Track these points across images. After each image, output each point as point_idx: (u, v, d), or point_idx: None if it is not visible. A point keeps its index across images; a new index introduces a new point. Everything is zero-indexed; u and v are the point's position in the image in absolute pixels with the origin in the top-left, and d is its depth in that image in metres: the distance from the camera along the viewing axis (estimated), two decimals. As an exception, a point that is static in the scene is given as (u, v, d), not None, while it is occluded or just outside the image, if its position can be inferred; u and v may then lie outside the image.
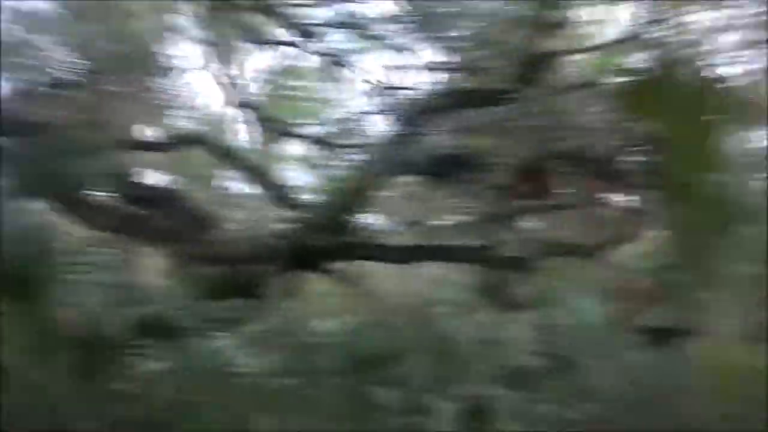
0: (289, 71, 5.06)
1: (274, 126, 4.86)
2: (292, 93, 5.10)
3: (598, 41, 3.78)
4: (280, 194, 4.58)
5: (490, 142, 3.84)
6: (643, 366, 3.26)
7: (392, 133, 4.11)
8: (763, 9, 3.75)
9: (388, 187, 4.13)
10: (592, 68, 3.77)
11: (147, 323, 3.69)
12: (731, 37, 3.98)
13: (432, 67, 4.39)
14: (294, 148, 5.16)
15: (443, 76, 4.14)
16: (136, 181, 4.06)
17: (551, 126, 3.57)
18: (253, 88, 4.93)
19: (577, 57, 3.78)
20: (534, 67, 3.53)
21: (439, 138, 4.09)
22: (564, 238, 5.02)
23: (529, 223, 4.63)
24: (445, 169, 4.25)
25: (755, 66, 3.68)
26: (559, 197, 4.16)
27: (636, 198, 3.94)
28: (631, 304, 4.16)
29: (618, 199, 4.13)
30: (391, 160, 3.82)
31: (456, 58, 3.94)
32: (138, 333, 3.63)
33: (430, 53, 4.24)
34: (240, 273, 4.27)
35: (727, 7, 3.90)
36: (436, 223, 5.14)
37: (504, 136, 3.73)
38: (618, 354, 3.32)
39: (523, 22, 3.52)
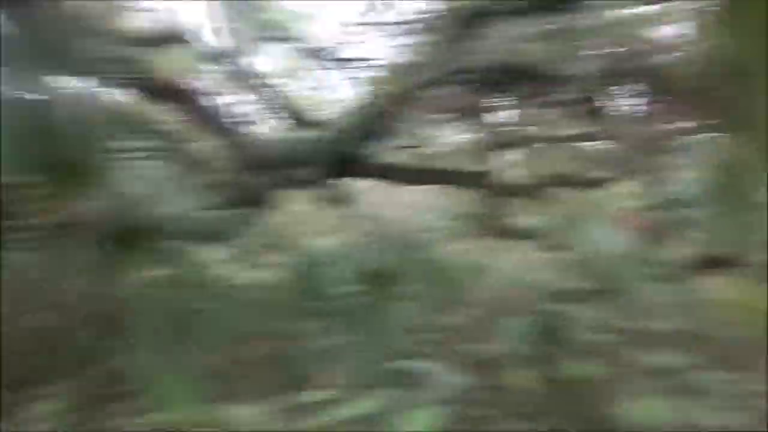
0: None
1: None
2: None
3: None
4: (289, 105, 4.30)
5: (553, 51, 3.50)
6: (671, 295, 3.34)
7: (431, 40, 3.79)
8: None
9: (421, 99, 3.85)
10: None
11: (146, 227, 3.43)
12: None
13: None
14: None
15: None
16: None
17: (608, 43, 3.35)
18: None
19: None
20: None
21: (490, 45, 3.69)
22: (570, 170, 4.99)
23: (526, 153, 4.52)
24: (492, 83, 3.91)
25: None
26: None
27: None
28: (645, 236, 4.21)
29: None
30: (432, 67, 3.54)
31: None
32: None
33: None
34: (247, 181, 4.02)
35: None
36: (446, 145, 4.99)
37: (566, 46, 3.43)
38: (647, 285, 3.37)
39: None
